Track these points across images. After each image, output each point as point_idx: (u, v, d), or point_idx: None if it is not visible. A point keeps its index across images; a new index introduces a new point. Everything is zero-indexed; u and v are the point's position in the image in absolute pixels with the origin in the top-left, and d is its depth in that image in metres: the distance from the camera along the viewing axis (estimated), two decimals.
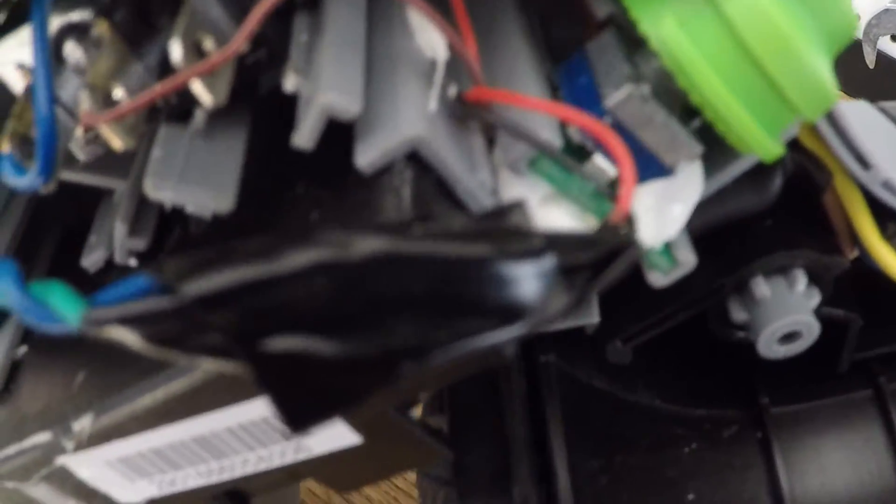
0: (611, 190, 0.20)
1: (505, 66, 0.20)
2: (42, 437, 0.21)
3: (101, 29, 0.17)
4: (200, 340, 0.14)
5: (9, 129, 0.17)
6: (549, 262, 0.15)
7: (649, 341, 0.25)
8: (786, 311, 0.23)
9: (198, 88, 0.16)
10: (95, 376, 0.21)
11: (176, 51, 0.16)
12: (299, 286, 0.13)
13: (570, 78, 0.20)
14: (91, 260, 0.22)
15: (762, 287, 0.24)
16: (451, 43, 0.18)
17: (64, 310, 0.14)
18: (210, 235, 0.20)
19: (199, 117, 0.19)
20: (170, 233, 0.22)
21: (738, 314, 0.24)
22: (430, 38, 0.19)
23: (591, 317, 0.23)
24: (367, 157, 0.17)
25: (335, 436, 0.20)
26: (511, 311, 0.14)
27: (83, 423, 0.20)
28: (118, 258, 0.22)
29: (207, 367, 0.17)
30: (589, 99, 0.19)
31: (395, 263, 0.14)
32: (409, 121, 0.17)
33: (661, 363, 0.26)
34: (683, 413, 0.26)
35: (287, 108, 0.19)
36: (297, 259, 0.13)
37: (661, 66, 0.19)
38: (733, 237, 0.24)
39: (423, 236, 0.14)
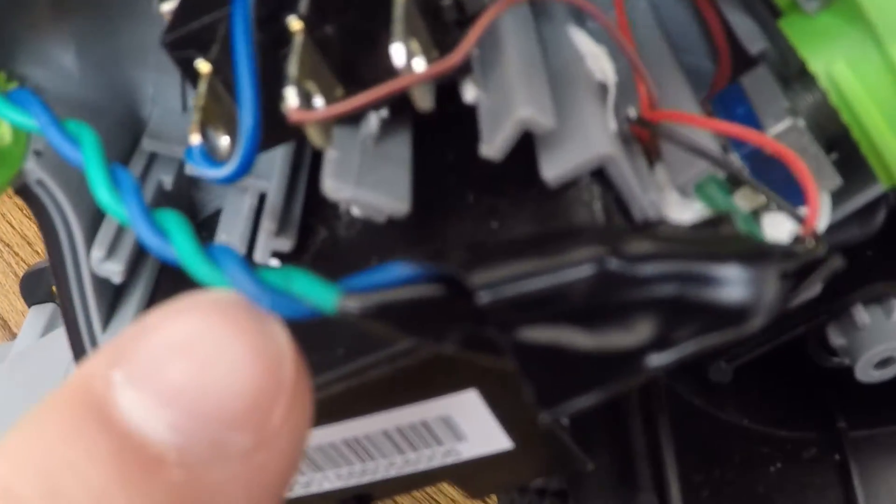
0: (756, 216, 0.21)
1: (667, 91, 0.21)
2: None
3: (297, 27, 0.18)
4: (457, 330, 0.14)
5: (196, 120, 0.17)
6: (772, 267, 0.15)
7: (740, 363, 0.26)
8: (883, 338, 0.25)
9: (419, 94, 0.17)
10: None
11: (399, 55, 0.16)
12: (571, 281, 0.14)
13: (726, 108, 0.21)
14: None
15: (862, 315, 0.25)
16: (633, 65, 0.19)
17: (315, 296, 0.14)
18: (376, 238, 0.20)
19: (372, 122, 0.20)
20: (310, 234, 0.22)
21: (836, 339, 0.25)
22: (600, 63, 0.20)
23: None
24: (555, 171, 0.18)
25: (488, 440, 0.20)
26: (737, 313, 0.15)
27: None
28: (259, 257, 0.22)
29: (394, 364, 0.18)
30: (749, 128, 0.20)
31: (650, 263, 0.14)
32: (599, 139, 0.18)
33: (750, 385, 0.28)
34: (768, 433, 0.27)
35: (443, 118, 0.19)
36: (579, 255, 0.14)
37: (815, 101, 0.20)
38: None
39: (681, 239, 0.15)
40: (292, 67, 0.16)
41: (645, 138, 0.20)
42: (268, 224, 0.21)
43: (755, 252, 0.15)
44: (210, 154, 0.18)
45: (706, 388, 0.27)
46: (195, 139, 0.17)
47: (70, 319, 0.24)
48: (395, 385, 0.18)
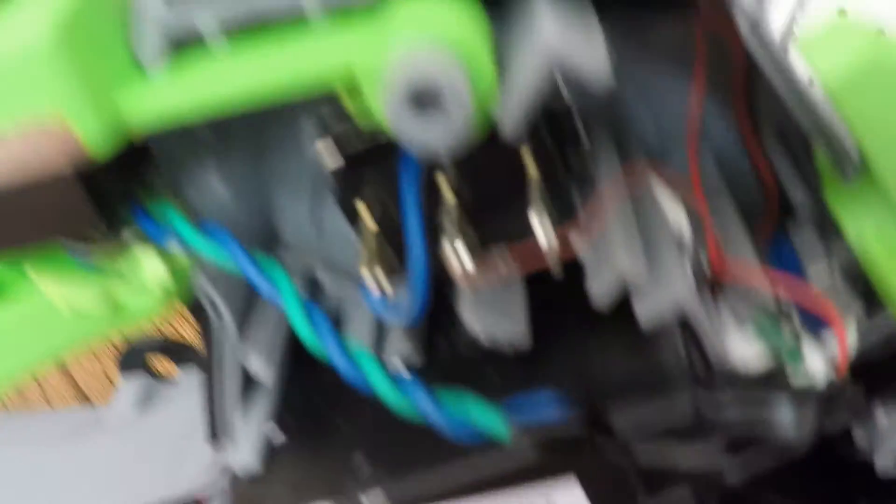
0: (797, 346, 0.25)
1: (729, 237, 0.25)
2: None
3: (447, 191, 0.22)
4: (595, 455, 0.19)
5: (369, 276, 0.22)
6: (812, 411, 0.20)
7: None
8: None
9: (555, 267, 0.21)
10: (376, 457, 0.25)
11: (538, 227, 0.21)
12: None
13: (778, 255, 0.26)
14: None
15: (881, 417, 0.29)
16: (704, 226, 0.24)
17: (490, 425, 0.18)
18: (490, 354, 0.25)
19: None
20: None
21: (861, 440, 0.30)
22: (679, 218, 0.25)
23: None
24: (646, 314, 0.23)
25: None
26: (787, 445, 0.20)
27: (374, 499, 0.24)
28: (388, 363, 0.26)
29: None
30: (793, 272, 0.25)
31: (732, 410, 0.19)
32: (681, 289, 0.23)
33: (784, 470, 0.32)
34: None
35: None
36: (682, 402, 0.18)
37: (848, 254, 0.25)
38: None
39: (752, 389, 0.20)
40: (450, 227, 0.21)
41: (718, 272, 0.25)
42: (403, 343, 0.25)
43: (800, 399, 0.20)
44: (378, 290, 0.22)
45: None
46: (374, 290, 0.21)
47: (212, 408, 0.29)
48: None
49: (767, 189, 0.28)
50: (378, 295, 0.21)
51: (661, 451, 0.19)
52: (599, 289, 0.23)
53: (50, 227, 0.21)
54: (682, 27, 0.24)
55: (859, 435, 0.30)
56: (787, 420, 0.20)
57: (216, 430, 0.29)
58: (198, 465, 0.35)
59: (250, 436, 0.28)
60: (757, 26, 0.21)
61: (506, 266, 0.22)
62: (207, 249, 0.21)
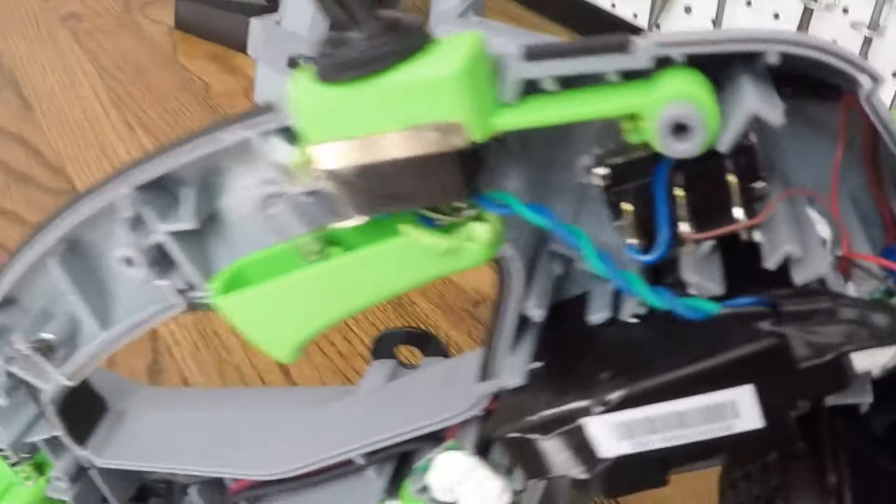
0: None
1: (857, 245, 0.38)
2: (580, 404, 0.38)
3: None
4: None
5: (630, 234, 0.36)
6: None
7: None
8: None
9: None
10: (623, 372, 0.38)
11: (739, 213, 0.34)
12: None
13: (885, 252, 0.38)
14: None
15: None
16: (841, 231, 0.37)
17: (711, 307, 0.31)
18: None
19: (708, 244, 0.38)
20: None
21: None
22: (821, 220, 0.37)
23: (867, 396, 0.40)
24: (801, 280, 0.35)
25: (751, 420, 0.37)
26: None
27: (616, 395, 0.37)
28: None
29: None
30: None
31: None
32: (823, 264, 0.35)
33: None
34: None
35: None
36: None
37: None
38: None
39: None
40: (682, 210, 0.35)
41: (844, 269, 0.38)
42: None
43: None
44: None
45: (868, 438, 0.43)
46: (633, 242, 0.35)
47: (490, 344, 0.43)
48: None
49: (886, 222, 0.40)
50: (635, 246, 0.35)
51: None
52: (771, 261, 0.36)
53: (432, 192, 0.36)
54: (831, 105, 0.38)
55: None
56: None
57: (488, 365, 0.43)
58: (448, 404, 0.48)
59: (517, 366, 0.42)
60: (874, 103, 0.34)
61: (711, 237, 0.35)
62: (532, 216, 0.36)
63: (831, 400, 0.39)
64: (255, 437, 0.56)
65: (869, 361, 0.35)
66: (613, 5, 1.33)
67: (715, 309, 0.33)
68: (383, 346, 0.59)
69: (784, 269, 0.36)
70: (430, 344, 0.58)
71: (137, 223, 0.45)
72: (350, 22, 0.34)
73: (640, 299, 0.37)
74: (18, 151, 1.12)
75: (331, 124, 0.35)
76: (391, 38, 0.34)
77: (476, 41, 0.34)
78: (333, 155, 0.36)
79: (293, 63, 1.02)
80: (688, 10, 1.23)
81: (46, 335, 0.49)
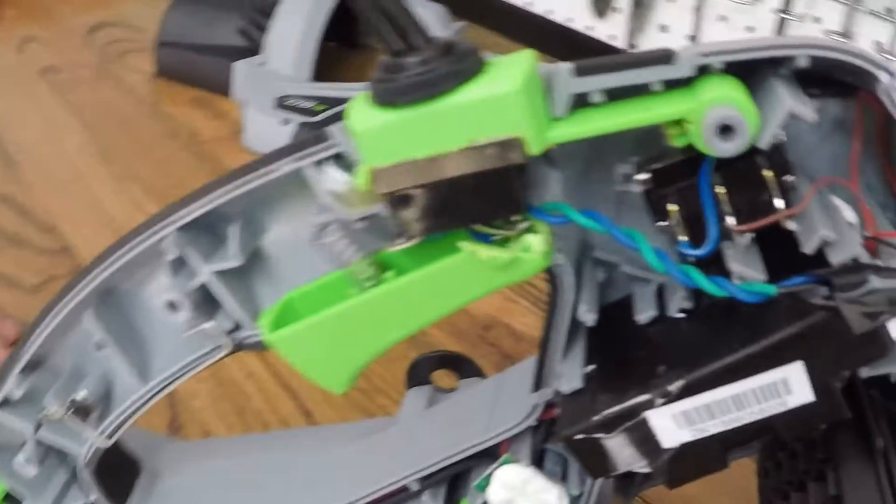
0: None
1: (878, 222, 0.41)
2: (642, 398, 0.40)
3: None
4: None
5: (679, 233, 0.38)
6: None
7: None
8: None
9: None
10: (678, 364, 0.40)
11: (779, 203, 0.37)
12: None
13: None
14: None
15: None
16: (864, 214, 0.40)
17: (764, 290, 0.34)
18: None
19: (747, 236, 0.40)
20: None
21: None
22: (846, 206, 0.40)
23: None
24: (836, 260, 0.38)
25: (802, 395, 0.39)
26: None
27: (676, 386, 0.39)
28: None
29: None
30: None
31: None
32: (856, 246, 0.38)
33: None
34: None
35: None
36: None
37: None
38: None
39: None
40: (726, 206, 0.38)
41: (870, 246, 0.40)
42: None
43: None
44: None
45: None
46: (683, 239, 0.38)
47: (543, 353, 0.45)
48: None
49: None
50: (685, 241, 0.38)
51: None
52: (808, 246, 0.38)
53: (491, 207, 0.38)
54: (850, 100, 0.41)
55: None
56: None
57: (542, 373, 0.45)
58: (501, 418, 0.49)
59: (573, 370, 0.44)
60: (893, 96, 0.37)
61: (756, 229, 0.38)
62: (588, 223, 0.38)
63: (865, 372, 0.41)
64: (303, 477, 0.55)
65: None
66: (590, 28, 1.37)
67: (772, 290, 0.35)
68: (418, 373, 0.60)
69: (803, 255, 0.38)
70: (465, 365, 0.59)
71: (179, 265, 0.44)
72: (407, 48, 0.36)
73: (694, 291, 0.40)
74: (6, 211, 1.11)
75: (391, 147, 0.37)
76: (447, 61, 0.36)
77: (530, 59, 0.36)
78: (393, 177, 0.38)
79: (281, 104, 1.04)
80: (664, 28, 1.28)
81: (80, 395, 0.47)
